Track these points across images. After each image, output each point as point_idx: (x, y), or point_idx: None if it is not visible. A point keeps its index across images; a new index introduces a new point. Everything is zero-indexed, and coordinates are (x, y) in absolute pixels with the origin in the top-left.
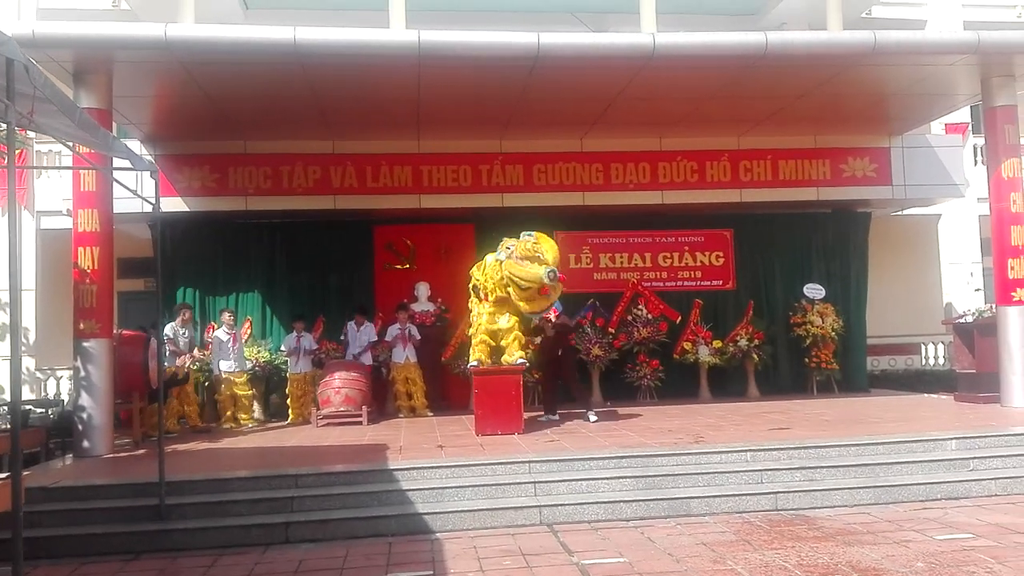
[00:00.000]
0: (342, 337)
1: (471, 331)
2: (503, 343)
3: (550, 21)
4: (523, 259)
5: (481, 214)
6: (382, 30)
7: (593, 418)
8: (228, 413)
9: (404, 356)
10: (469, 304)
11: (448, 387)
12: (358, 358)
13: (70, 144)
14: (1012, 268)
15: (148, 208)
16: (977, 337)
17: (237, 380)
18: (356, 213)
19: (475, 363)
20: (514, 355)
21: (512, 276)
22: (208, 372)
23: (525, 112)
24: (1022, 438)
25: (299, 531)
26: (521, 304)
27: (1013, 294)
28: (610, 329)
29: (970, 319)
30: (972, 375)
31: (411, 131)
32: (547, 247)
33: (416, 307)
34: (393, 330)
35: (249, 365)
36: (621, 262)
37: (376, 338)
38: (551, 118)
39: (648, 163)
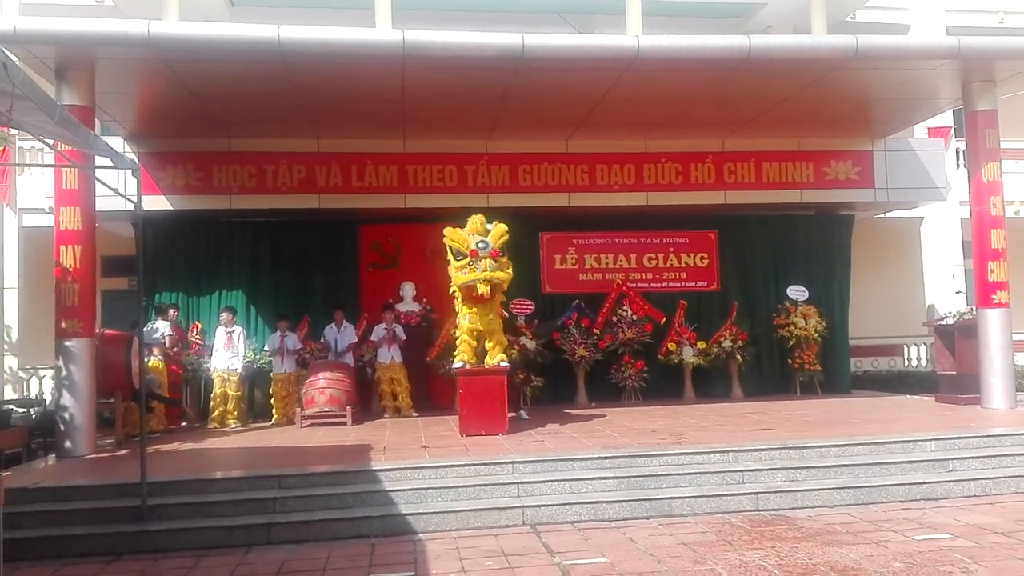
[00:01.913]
0: (322, 340)
1: (455, 331)
2: (486, 345)
3: (537, 22)
4: (470, 232)
5: (467, 214)
6: (366, 29)
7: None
8: (216, 413)
9: (389, 356)
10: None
11: (433, 387)
12: (340, 358)
13: (50, 142)
14: (992, 271)
15: (131, 206)
16: (958, 339)
17: (231, 379)
18: (341, 212)
19: (460, 364)
20: (496, 358)
21: (448, 239)
22: (194, 371)
23: (510, 113)
24: (1001, 439)
25: (282, 532)
26: (453, 273)
27: (993, 296)
28: (595, 330)
29: (951, 321)
30: (953, 376)
31: (396, 131)
32: (496, 231)
33: (401, 307)
34: (379, 330)
35: (240, 364)
36: (606, 263)
37: (356, 339)
38: (536, 119)
39: (633, 164)
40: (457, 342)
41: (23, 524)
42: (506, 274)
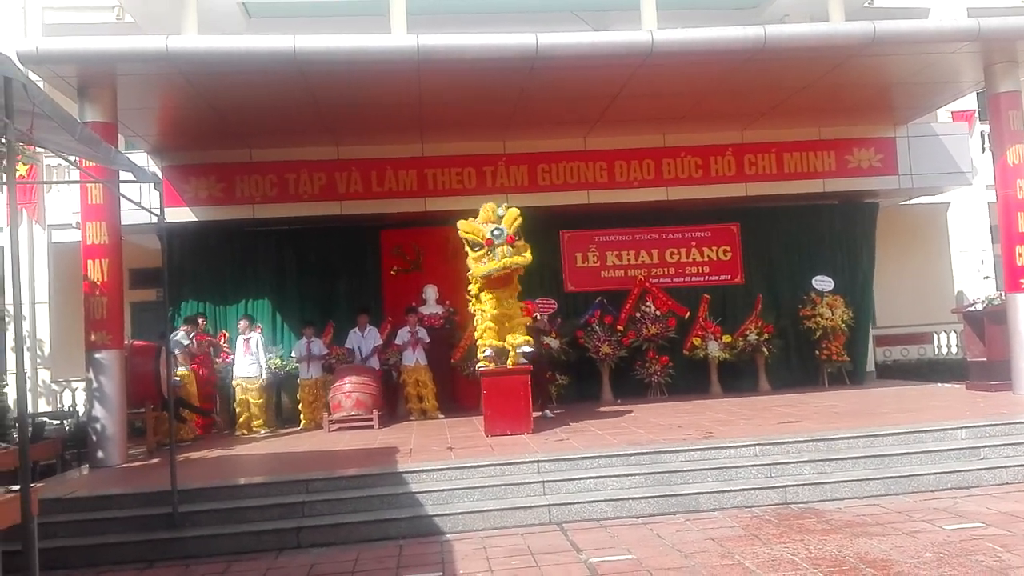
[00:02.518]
0: (347, 347)
1: (475, 322)
2: (505, 325)
3: (552, 20)
4: (483, 222)
5: None
6: (381, 36)
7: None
8: (242, 419)
9: (414, 359)
10: (468, 295)
11: (458, 388)
12: (366, 362)
13: (72, 159)
14: (1020, 255)
15: (155, 219)
16: (987, 325)
17: (250, 387)
18: (362, 218)
19: (488, 352)
20: (518, 339)
21: (462, 231)
22: (222, 379)
23: (527, 112)
24: None
25: (310, 536)
26: (472, 265)
27: (1022, 281)
28: (619, 327)
29: (979, 307)
30: (983, 363)
31: (414, 135)
32: (509, 215)
33: (425, 310)
34: (403, 333)
35: (258, 371)
36: (628, 259)
37: (381, 342)
38: (553, 117)
39: (652, 160)
40: (481, 330)
41: (58, 534)
42: (524, 258)
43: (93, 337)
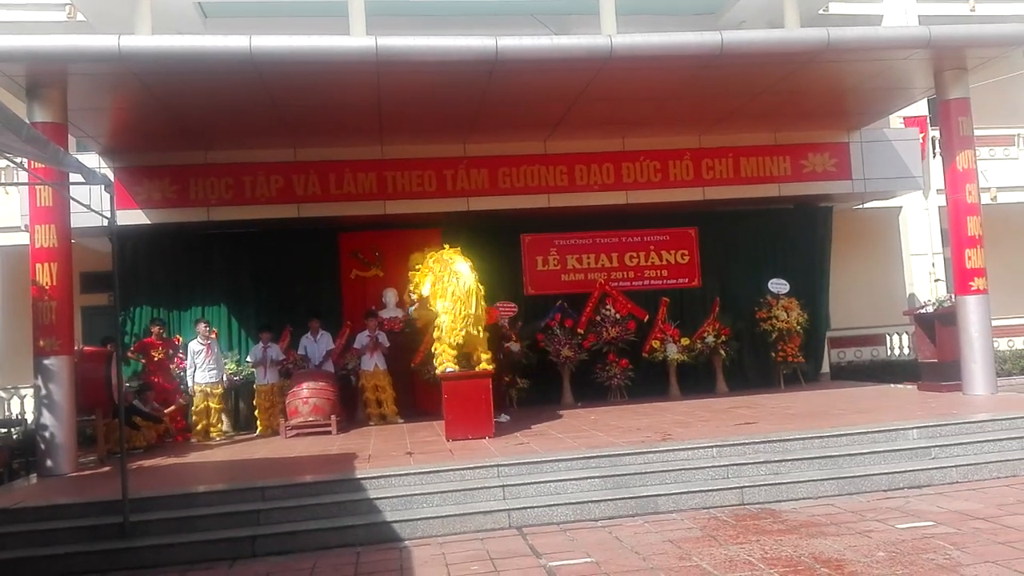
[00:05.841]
0: (300, 352)
1: (436, 335)
2: (476, 353)
3: (512, 24)
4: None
5: (447, 219)
6: (339, 37)
7: (505, 418)
8: (199, 426)
9: (373, 364)
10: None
11: (419, 393)
12: (320, 368)
13: (17, 161)
14: (970, 258)
15: (106, 222)
16: (938, 327)
17: (213, 392)
18: (321, 221)
19: (450, 369)
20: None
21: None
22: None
23: (487, 115)
24: (982, 425)
25: (266, 544)
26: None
27: (971, 283)
28: (579, 330)
29: (930, 309)
30: (934, 364)
31: (374, 137)
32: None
33: (384, 314)
34: (362, 338)
35: (219, 376)
36: (588, 263)
37: (333, 346)
38: (514, 121)
39: (612, 164)
40: (438, 348)
41: (5, 546)
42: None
43: (42, 343)
